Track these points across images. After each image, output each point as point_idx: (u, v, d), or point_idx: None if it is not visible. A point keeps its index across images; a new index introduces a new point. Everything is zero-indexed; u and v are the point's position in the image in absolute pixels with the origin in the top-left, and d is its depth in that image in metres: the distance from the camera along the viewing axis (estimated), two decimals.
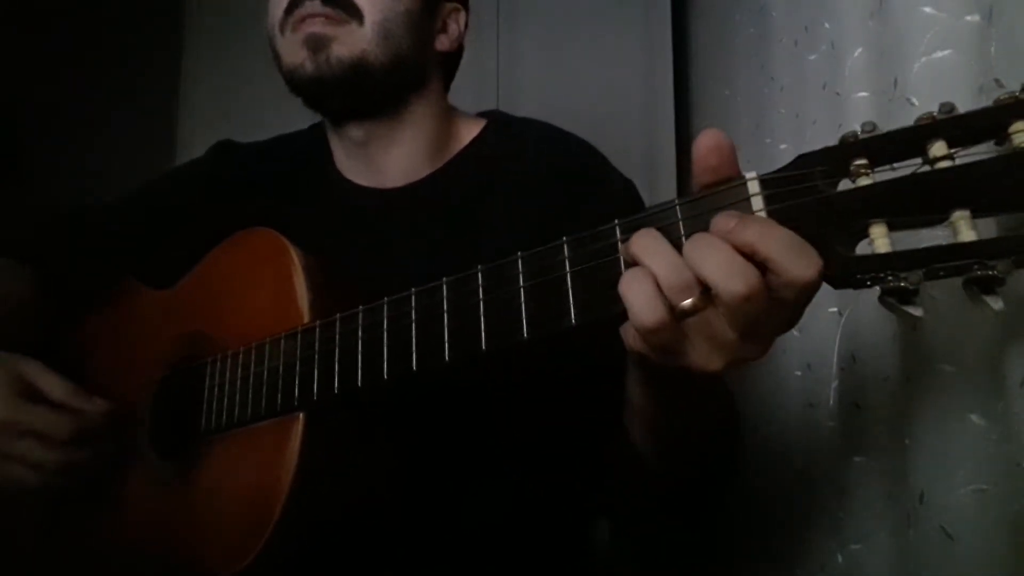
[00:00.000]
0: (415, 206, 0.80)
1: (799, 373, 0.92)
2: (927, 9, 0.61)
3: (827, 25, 0.85)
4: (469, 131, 0.85)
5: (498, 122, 0.87)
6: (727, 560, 1.10)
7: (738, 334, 0.43)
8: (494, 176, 0.80)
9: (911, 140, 0.40)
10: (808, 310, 0.97)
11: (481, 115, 0.89)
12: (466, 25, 0.88)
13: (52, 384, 0.71)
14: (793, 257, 0.40)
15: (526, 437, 0.73)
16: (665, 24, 1.68)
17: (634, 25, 1.69)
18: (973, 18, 0.58)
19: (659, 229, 0.44)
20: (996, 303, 0.37)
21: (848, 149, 0.41)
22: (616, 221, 0.47)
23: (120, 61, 1.70)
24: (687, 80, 1.70)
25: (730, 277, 0.41)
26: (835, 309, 0.80)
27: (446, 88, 0.88)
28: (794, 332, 0.95)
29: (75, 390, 0.71)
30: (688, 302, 0.42)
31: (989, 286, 0.37)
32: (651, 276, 0.43)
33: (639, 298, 0.43)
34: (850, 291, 0.76)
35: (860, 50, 0.74)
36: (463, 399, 0.68)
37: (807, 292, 0.41)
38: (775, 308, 0.42)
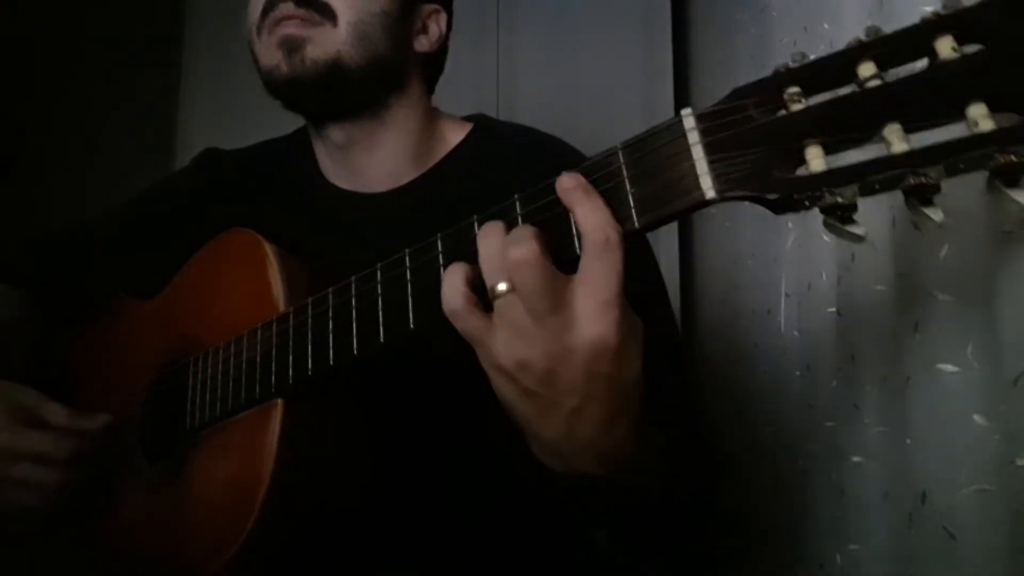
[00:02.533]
0: (400, 211, 0.80)
1: (798, 373, 0.92)
2: (927, 9, 0.61)
3: (827, 25, 0.86)
4: (454, 135, 0.85)
5: (483, 126, 0.87)
6: (726, 560, 1.10)
7: (532, 319, 0.44)
8: (479, 182, 0.80)
9: (841, 64, 0.40)
10: (807, 310, 0.97)
11: (467, 119, 0.89)
12: (448, 26, 0.87)
13: (52, 410, 0.72)
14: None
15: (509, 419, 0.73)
16: (665, 24, 1.68)
17: (634, 25, 1.69)
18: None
19: (602, 176, 0.46)
20: (936, 214, 0.38)
21: (780, 78, 0.42)
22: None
23: (120, 61, 1.70)
24: (687, 80, 1.70)
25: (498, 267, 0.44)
26: (833, 309, 0.80)
27: (429, 90, 0.88)
28: (794, 332, 0.95)
29: (75, 412, 0.72)
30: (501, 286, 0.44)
31: (925, 195, 0.38)
32: (464, 267, 0.46)
33: (444, 286, 0.46)
34: (848, 291, 0.76)
35: None
36: (442, 382, 0.68)
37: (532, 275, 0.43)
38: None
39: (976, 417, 0.57)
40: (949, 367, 0.59)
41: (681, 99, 1.66)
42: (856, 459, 0.75)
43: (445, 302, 0.46)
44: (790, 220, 0.96)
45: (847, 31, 0.77)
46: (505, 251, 0.43)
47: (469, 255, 0.48)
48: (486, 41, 1.69)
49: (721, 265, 1.36)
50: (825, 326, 0.83)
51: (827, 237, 0.85)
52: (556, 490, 0.53)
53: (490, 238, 0.46)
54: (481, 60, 1.68)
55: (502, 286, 0.44)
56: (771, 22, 1.06)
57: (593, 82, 1.67)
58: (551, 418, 0.46)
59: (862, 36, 0.40)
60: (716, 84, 1.44)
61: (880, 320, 0.70)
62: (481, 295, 0.46)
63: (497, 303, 0.45)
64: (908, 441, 0.63)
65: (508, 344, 0.45)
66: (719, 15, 1.44)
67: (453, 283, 0.46)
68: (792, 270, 0.97)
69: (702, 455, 0.67)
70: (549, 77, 1.67)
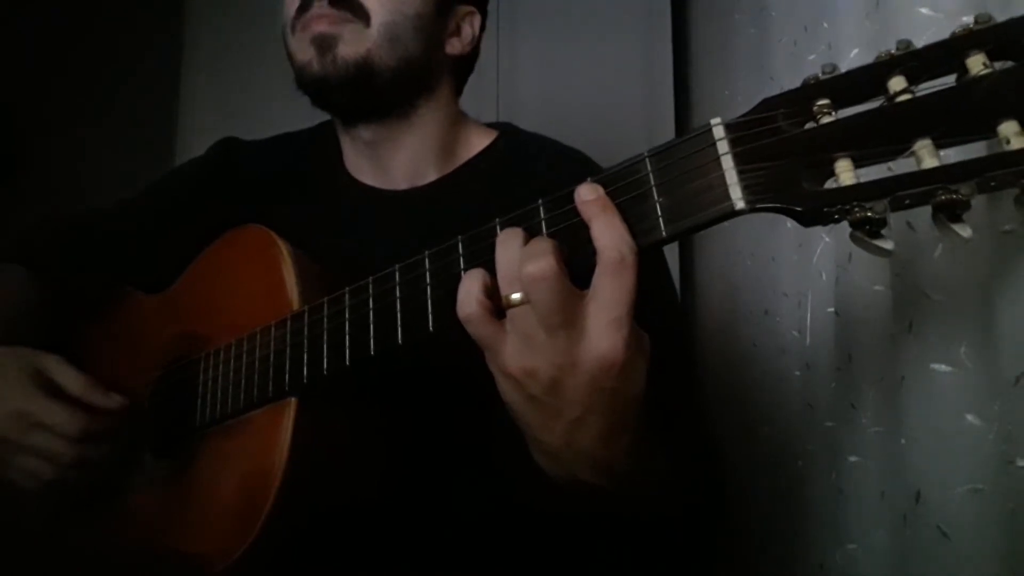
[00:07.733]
0: (418, 210, 0.80)
1: (797, 373, 0.92)
2: (924, 10, 0.61)
3: (826, 25, 0.86)
4: (479, 140, 0.85)
5: (509, 135, 0.87)
6: (726, 559, 1.11)
7: (544, 331, 0.44)
8: (499, 188, 0.80)
9: (871, 77, 0.40)
10: (805, 310, 0.97)
11: (492, 126, 0.89)
12: (482, 28, 0.87)
13: (70, 378, 0.71)
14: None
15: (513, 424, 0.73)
16: (665, 24, 1.69)
17: (634, 25, 1.69)
18: (970, 19, 0.58)
19: (628, 184, 0.45)
20: (964, 231, 0.37)
21: (810, 90, 0.42)
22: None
23: (120, 60, 1.70)
24: (687, 80, 1.70)
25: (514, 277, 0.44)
26: (832, 309, 0.80)
27: (458, 92, 0.88)
28: (793, 332, 0.95)
29: (92, 385, 0.71)
30: (515, 296, 0.45)
31: (955, 212, 0.37)
32: (482, 273, 0.46)
33: (461, 291, 0.46)
34: (847, 291, 0.76)
35: (857, 51, 0.75)
36: (456, 383, 0.68)
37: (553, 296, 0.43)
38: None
39: (969, 417, 0.57)
40: (942, 367, 0.60)
41: (681, 99, 1.66)
42: (854, 459, 0.75)
43: (460, 307, 0.46)
44: (789, 220, 0.96)
45: (846, 31, 0.78)
46: (523, 265, 0.44)
47: (489, 259, 0.48)
48: (486, 41, 1.69)
49: (720, 265, 1.36)
50: (824, 326, 0.83)
51: (827, 237, 0.85)
52: (553, 495, 0.53)
53: (508, 248, 0.46)
54: (481, 60, 1.67)
55: (516, 296, 0.45)
56: (771, 22, 1.06)
57: (593, 82, 1.67)
58: (553, 425, 0.47)
59: (892, 49, 0.40)
60: (716, 84, 1.44)
61: (878, 320, 0.70)
62: (495, 300, 0.46)
63: (510, 312, 0.45)
64: (903, 441, 0.63)
65: (518, 352, 0.46)
66: (719, 15, 1.44)
67: (470, 289, 0.46)
68: (791, 270, 0.97)
69: (702, 476, 0.68)
70: (549, 77, 1.68)
